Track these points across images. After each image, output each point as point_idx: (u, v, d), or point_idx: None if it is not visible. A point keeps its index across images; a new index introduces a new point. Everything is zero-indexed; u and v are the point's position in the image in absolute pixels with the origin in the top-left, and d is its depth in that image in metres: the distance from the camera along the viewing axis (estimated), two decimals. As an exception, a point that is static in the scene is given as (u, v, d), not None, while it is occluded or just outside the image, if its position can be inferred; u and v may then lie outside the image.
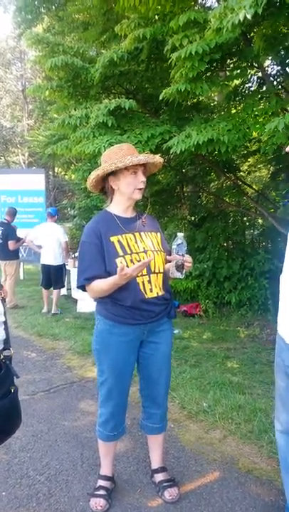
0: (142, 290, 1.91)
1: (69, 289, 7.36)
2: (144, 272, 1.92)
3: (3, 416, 1.50)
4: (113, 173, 1.96)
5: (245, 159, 7.46)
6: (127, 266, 1.83)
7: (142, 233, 1.99)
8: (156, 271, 1.96)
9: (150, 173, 2.10)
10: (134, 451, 2.64)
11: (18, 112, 19.37)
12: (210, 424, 2.91)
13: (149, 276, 1.93)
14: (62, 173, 18.19)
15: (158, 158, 2.00)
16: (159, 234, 2.10)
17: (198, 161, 6.51)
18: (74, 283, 7.29)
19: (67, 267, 6.99)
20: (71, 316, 6.43)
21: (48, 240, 6.48)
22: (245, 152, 6.46)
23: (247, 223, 7.53)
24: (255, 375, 3.86)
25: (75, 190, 12.78)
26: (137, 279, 1.90)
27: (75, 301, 7.03)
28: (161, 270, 1.99)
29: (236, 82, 5.70)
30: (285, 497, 1.89)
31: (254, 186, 7.67)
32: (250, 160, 7.92)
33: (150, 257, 1.84)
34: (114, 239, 1.91)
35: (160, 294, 1.97)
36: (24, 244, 7.39)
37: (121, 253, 1.88)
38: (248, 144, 5.67)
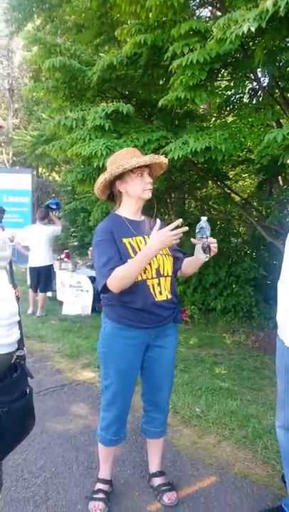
0: (152, 292, 1.93)
1: (54, 290, 7.28)
2: (154, 274, 1.94)
3: (20, 418, 1.47)
4: (120, 177, 1.98)
5: (233, 168, 7.57)
6: None
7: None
8: (165, 274, 1.99)
9: (156, 174, 2.12)
10: (130, 455, 2.64)
11: (3, 111, 19.12)
12: (204, 429, 2.93)
13: (159, 279, 1.95)
14: (47, 173, 17.98)
15: (163, 159, 2.02)
16: None
17: (187, 168, 6.56)
18: (59, 285, 7.22)
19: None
20: (57, 318, 6.37)
21: (36, 242, 6.38)
22: (234, 161, 6.55)
23: (231, 231, 7.61)
24: (243, 382, 3.91)
25: (61, 191, 12.66)
26: (147, 281, 1.92)
27: (61, 303, 6.97)
28: (170, 274, 2.02)
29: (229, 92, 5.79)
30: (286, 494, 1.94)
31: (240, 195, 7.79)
32: (237, 169, 8.04)
33: (185, 228, 1.85)
34: (125, 241, 1.92)
35: (169, 297, 1.99)
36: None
37: (133, 255, 1.88)
38: (239, 153, 5.76)
